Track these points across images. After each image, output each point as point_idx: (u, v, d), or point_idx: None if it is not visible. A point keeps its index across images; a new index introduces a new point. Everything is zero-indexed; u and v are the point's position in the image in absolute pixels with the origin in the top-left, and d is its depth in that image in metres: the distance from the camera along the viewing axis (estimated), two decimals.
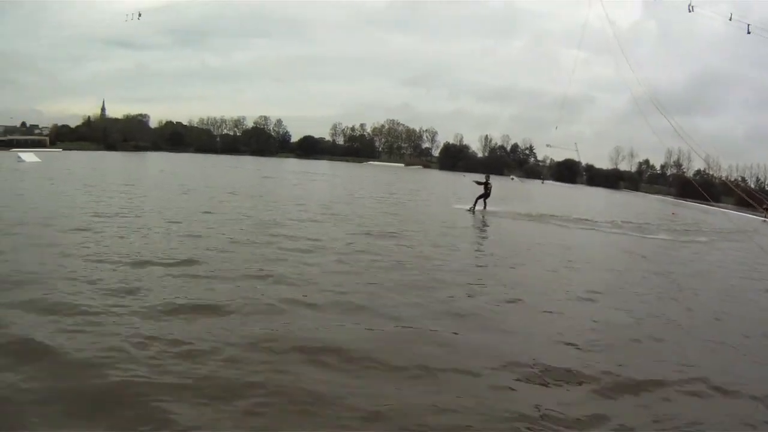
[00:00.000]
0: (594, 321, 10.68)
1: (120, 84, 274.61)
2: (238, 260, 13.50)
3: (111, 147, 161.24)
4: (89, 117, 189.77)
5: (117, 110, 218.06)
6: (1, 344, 7.28)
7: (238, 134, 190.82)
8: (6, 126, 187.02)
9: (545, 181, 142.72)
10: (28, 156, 73.52)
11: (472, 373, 7.55)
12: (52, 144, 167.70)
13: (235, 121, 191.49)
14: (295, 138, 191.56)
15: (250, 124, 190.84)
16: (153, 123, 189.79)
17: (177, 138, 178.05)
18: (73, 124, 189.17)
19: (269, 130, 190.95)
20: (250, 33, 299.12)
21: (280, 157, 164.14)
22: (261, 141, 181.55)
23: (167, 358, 7.20)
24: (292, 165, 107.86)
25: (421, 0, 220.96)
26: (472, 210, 31.71)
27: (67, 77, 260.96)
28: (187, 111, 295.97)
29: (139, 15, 66.61)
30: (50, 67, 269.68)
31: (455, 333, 9.18)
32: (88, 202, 24.94)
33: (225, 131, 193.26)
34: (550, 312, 11.13)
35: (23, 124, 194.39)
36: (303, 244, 16.30)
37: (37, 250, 13.24)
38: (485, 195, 31.75)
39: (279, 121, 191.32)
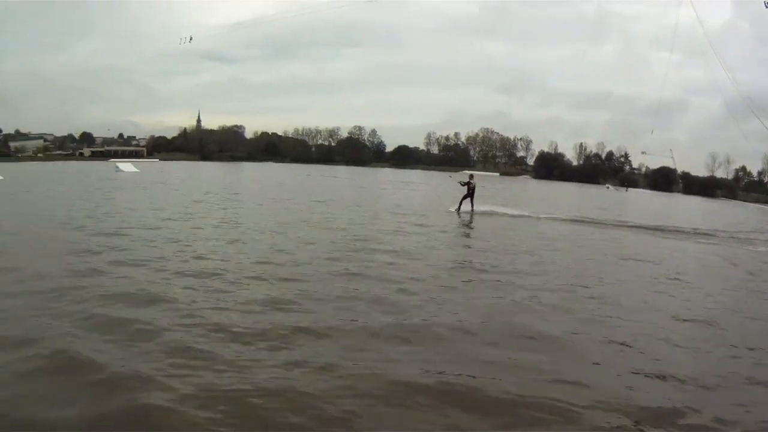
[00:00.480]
0: (697, 350, 9.23)
1: (215, 96, 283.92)
2: (332, 278, 12.77)
3: (207, 157, 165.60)
4: (185, 128, 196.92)
5: (212, 121, 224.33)
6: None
7: (332, 144, 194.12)
8: (104, 137, 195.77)
9: (629, 189, 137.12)
10: (126, 166, 76.60)
11: (557, 412, 6.56)
12: (149, 154, 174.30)
13: (330, 131, 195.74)
14: (389, 147, 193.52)
15: (344, 134, 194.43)
16: (248, 134, 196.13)
17: (272, 148, 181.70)
18: (169, 135, 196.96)
19: (363, 140, 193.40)
20: (341, 43, 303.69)
21: (374, 166, 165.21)
22: (356, 151, 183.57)
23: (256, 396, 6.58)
24: (386, 174, 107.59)
25: (509, 6, 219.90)
26: (457, 211, 31.28)
27: (162, 90, 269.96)
28: (281, 122, 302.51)
29: (191, 39, 69.05)
30: (146, 81, 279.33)
31: (542, 361, 8.20)
32: (184, 211, 25.45)
33: (320, 141, 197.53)
34: (647, 337, 9.72)
35: (120, 135, 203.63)
36: (396, 259, 15.51)
37: (128, 265, 13.06)
38: (470, 195, 31.23)
39: (373, 131, 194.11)
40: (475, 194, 30.89)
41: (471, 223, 28.06)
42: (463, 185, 31.75)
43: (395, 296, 11.32)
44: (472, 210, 31.07)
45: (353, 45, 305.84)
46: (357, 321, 9.54)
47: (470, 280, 13.49)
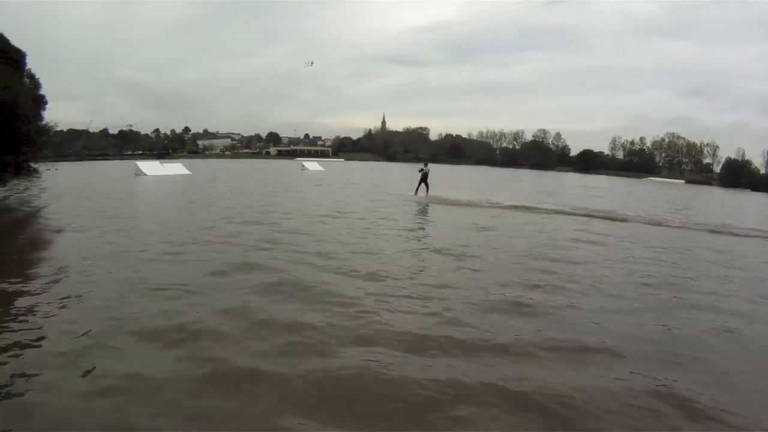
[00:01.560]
0: None
1: (400, 98, 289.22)
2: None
3: (392, 158, 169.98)
4: (370, 129, 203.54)
5: (397, 123, 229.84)
6: None
7: (517, 147, 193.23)
8: (290, 137, 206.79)
9: None
10: (311, 165, 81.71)
11: None
12: (334, 154, 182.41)
13: (514, 134, 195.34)
14: (573, 151, 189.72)
15: (528, 137, 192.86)
16: (432, 135, 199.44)
17: (456, 150, 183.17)
18: (354, 136, 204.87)
19: (548, 143, 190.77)
20: (524, 47, 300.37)
21: (558, 171, 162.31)
22: (540, 154, 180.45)
23: None
24: (571, 179, 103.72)
25: (691, 5, 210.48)
26: (415, 192, 38.03)
27: (349, 93, 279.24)
28: (465, 124, 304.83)
29: (312, 63, 76.00)
30: (333, 84, 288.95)
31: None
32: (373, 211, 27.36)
33: (504, 144, 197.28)
34: None
35: (306, 135, 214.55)
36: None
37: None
38: (423, 180, 37.96)
39: (558, 135, 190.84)
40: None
41: (427, 206, 32.61)
42: (419, 171, 38.30)
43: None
44: (427, 193, 37.33)
45: (536, 48, 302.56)
46: None
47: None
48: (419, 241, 19.81)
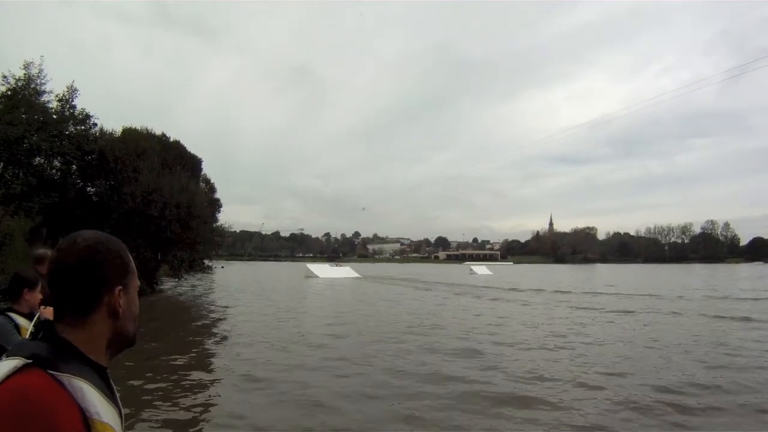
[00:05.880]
0: None
1: (566, 198, 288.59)
2: None
3: (560, 259, 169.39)
4: (538, 231, 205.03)
5: (564, 224, 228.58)
6: None
7: (685, 241, 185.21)
8: (458, 241, 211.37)
9: None
10: (480, 269, 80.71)
11: None
12: (503, 257, 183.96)
13: (682, 227, 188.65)
14: (744, 240, 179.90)
15: (697, 229, 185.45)
16: (600, 234, 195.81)
17: (625, 248, 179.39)
18: (522, 238, 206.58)
19: (716, 234, 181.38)
20: (689, 134, 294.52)
21: (728, 262, 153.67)
22: (709, 247, 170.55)
23: None
24: (741, 271, 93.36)
25: None
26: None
27: (515, 195, 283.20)
28: (633, 220, 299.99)
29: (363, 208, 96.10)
30: (500, 187, 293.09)
31: None
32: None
33: (672, 239, 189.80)
34: None
35: (474, 239, 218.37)
36: None
37: None
38: (336, 265, 59.30)
39: (726, 225, 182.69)
40: None
41: None
42: (336, 265, 61.11)
43: None
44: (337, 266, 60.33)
45: (701, 134, 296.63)
46: None
47: None
48: None
